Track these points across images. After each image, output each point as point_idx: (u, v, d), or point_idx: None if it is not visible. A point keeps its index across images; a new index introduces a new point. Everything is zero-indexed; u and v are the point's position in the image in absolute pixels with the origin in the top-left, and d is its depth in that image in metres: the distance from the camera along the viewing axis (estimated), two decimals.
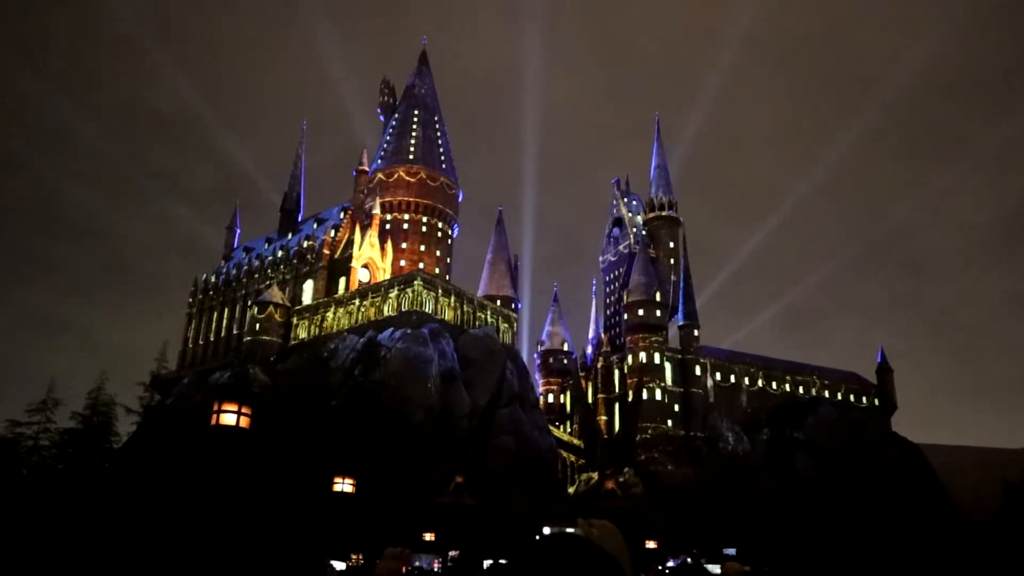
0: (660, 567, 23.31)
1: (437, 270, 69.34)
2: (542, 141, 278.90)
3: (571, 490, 63.98)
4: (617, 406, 74.35)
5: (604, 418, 74.24)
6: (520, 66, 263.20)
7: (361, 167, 71.05)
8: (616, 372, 76.34)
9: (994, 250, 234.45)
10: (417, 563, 28.89)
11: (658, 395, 71.37)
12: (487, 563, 26.93)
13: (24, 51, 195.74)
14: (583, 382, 79.86)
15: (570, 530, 2.51)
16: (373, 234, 68.04)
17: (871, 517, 59.98)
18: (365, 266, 66.86)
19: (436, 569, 28.79)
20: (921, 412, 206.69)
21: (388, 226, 70.78)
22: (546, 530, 40.94)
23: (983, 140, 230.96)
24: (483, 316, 63.93)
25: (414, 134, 74.89)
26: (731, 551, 45.54)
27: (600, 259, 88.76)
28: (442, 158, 75.36)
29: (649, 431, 69.02)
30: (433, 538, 33.77)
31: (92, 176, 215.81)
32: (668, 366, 74.12)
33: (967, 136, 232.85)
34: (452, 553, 30.09)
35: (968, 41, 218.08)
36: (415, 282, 59.60)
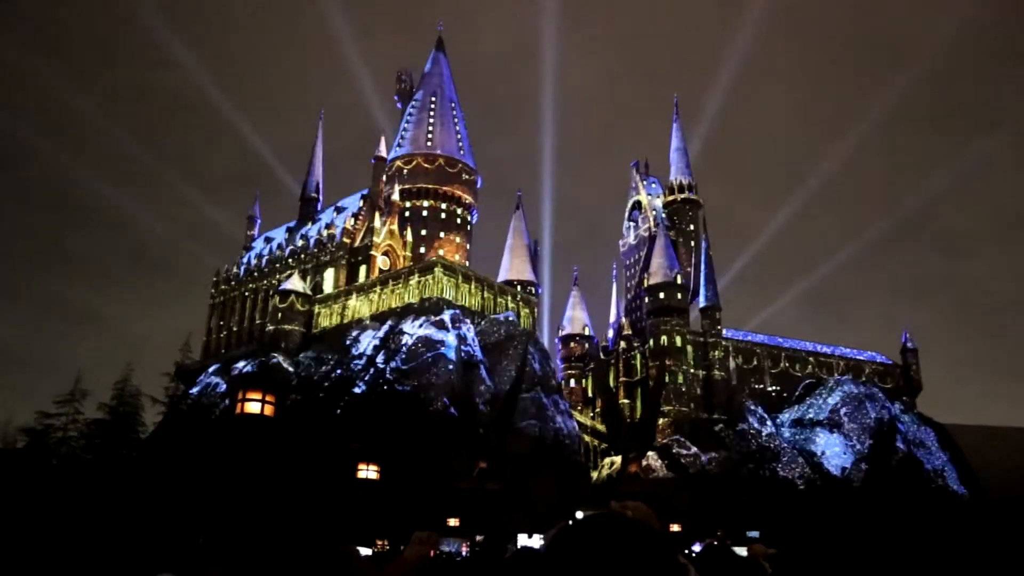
0: (687, 550, 23.25)
1: (457, 256, 69.42)
2: (560, 124, 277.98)
3: (594, 475, 64.04)
4: (639, 390, 74.21)
5: (626, 402, 74.16)
6: (537, 48, 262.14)
7: (379, 155, 71.10)
8: (638, 356, 76.15)
9: None
10: (445, 547, 29.01)
11: (680, 378, 71.14)
12: (520, 545, 26.99)
13: (38, 40, 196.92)
14: (605, 366, 79.74)
15: None
16: (392, 221, 68.15)
17: (895, 498, 59.58)
18: (385, 254, 67.02)
19: (464, 553, 28.87)
20: (949, 392, 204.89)
21: (407, 213, 70.86)
22: (579, 514, 40.93)
23: (1016, 113, 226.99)
24: (504, 301, 63.94)
25: (431, 121, 74.80)
26: (754, 534, 45.32)
27: (620, 242, 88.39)
28: (460, 144, 75.25)
29: (671, 415, 68.86)
30: (458, 523, 33.90)
31: (112, 166, 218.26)
32: (690, 349, 73.83)
33: (999, 109, 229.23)
34: (478, 538, 30.16)
35: (1004, 8, 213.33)
36: (435, 269, 59.69)
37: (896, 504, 57.55)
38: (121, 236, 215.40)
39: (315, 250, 69.65)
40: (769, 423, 72.45)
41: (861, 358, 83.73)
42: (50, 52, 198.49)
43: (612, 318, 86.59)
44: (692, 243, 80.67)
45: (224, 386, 58.49)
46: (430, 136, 74.02)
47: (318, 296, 65.82)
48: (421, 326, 55.01)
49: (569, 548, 1.40)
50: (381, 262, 66.33)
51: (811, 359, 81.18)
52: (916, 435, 74.68)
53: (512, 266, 78.51)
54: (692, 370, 73.00)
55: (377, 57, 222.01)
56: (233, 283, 75.44)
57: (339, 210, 73.33)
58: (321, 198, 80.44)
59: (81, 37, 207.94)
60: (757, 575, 3.75)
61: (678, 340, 72.54)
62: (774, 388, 77.51)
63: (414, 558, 2.43)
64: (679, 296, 74.04)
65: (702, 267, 78.11)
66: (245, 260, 77.26)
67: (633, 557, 1.36)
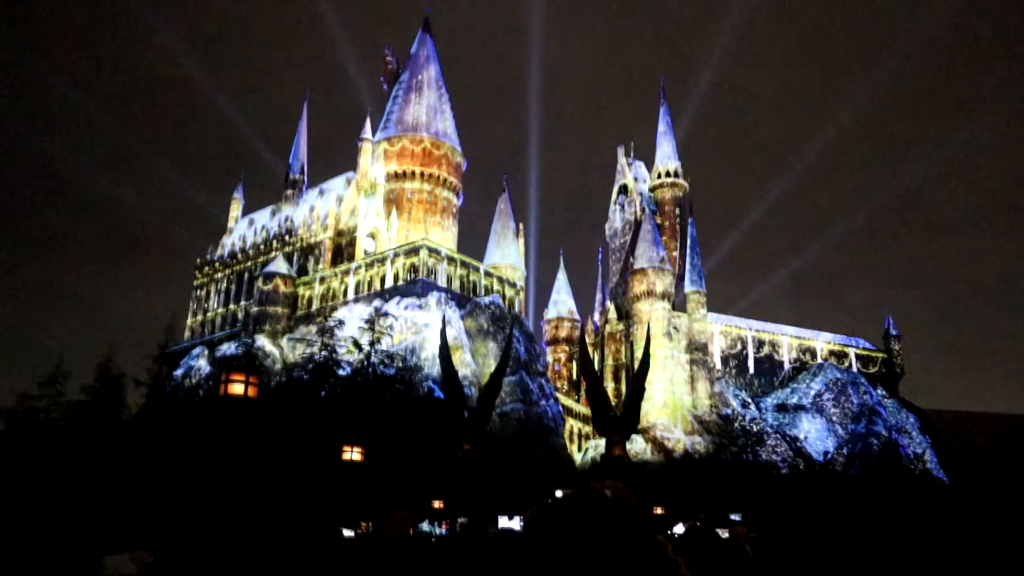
0: (669, 532, 23.40)
1: (442, 238, 69.25)
2: (548, 106, 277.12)
3: (579, 457, 64.35)
4: (624, 373, 74.50)
5: (611, 385, 74.44)
6: (525, 29, 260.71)
7: (365, 136, 70.75)
8: (623, 339, 76.41)
9: (1010, 209, 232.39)
10: (424, 526, 29.11)
11: (665, 362, 71.43)
12: (500, 526, 27.10)
13: (13, 16, 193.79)
14: (590, 349, 79.86)
15: None
16: (378, 203, 67.92)
17: (876, 483, 60.22)
18: (370, 235, 66.80)
19: (443, 532, 29.00)
20: (931, 377, 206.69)
21: (393, 195, 70.61)
22: (559, 493, 41.05)
23: (1000, 98, 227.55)
24: (489, 284, 63.92)
25: (417, 102, 74.41)
26: (736, 517, 45.70)
27: (606, 226, 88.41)
28: (446, 126, 74.93)
29: (656, 398, 69.17)
30: (442, 506, 33.97)
31: (92, 146, 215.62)
32: (675, 333, 74.14)
33: (984, 94, 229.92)
34: (461, 520, 30.27)
35: None
36: (420, 251, 59.55)
37: (876, 488, 58.16)
38: (102, 216, 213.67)
39: (299, 232, 69.36)
40: (753, 407, 73.01)
41: (845, 343, 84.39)
42: (27, 30, 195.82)
43: (598, 301, 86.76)
44: (678, 227, 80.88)
45: (208, 368, 58.34)
46: (416, 118, 73.65)
47: (303, 278, 65.58)
48: (406, 308, 54.95)
49: (547, 525, 1.38)
50: (366, 244, 66.13)
51: (795, 344, 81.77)
52: (898, 420, 75.48)
53: (498, 249, 78.45)
54: (677, 354, 73.31)
55: (363, 37, 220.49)
56: (217, 265, 75.10)
57: (323, 192, 72.97)
58: (306, 180, 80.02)
59: (60, 13, 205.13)
60: (738, 556, 3.77)
61: (663, 324, 72.80)
62: (758, 372, 78.06)
63: (392, 534, 2.43)
64: (664, 280, 74.28)
65: (688, 251, 78.30)
66: (229, 242, 76.89)
67: (610, 534, 1.35)
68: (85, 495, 23.84)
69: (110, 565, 2.31)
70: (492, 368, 54.57)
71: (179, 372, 59.50)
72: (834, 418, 72.24)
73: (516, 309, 65.16)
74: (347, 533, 21.50)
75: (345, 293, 62.23)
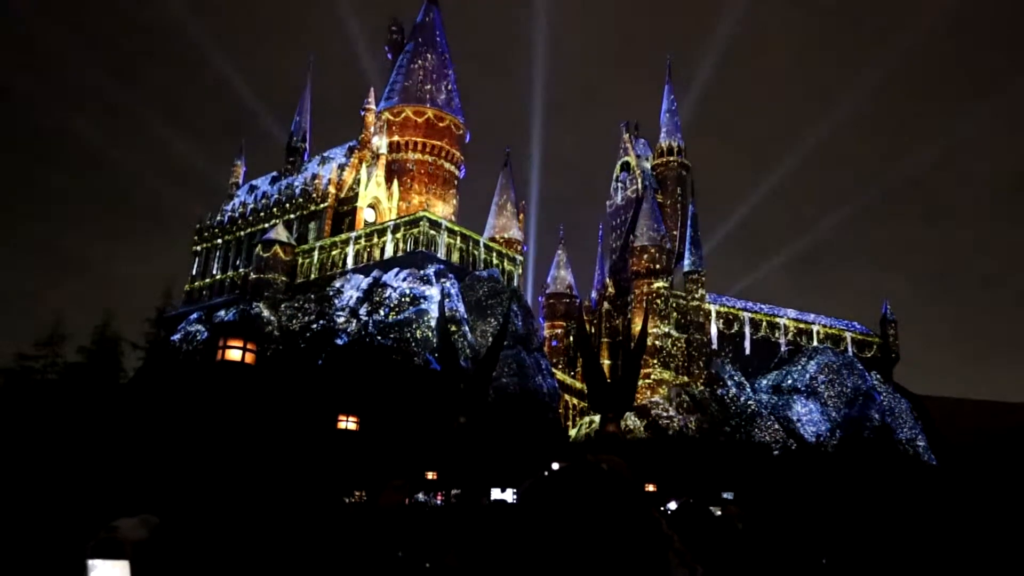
0: (662, 508, 23.59)
1: (443, 211, 69.10)
2: (553, 81, 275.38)
3: (572, 433, 64.66)
4: (621, 351, 74.69)
5: (607, 362, 74.65)
6: (532, 3, 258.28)
7: (368, 106, 70.33)
8: (620, 316, 76.51)
9: (1014, 200, 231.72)
10: (420, 496, 29.33)
11: (661, 341, 71.61)
12: (493, 497, 27.29)
13: None
14: (588, 326, 79.99)
15: None
16: (379, 174, 67.66)
17: (866, 465, 60.58)
18: (371, 206, 66.63)
19: (439, 503, 29.25)
20: (930, 364, 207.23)
21: (395, 166, 70.36)
22: (555, 465, 41.31)
23: (1012, 84, 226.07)
24: (488, 258, 63.90)
25: (422, 73, 73.94)
26: (729, 496, 45.99)
27: (607, 203, 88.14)
28: (450, 98, 74.52)
29: (652, 376, 69.45)
30: (435, 477, 34.17)
31: (91, 106, 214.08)
32: (673, 312, 74.23)
33: (995, 79, 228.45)
34: (454, 492, 30.48)
35: None
36: (421, 223, 59.46)
37: (866, 470, 58.52)
38: (101, 177, 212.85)
39: (300, 200, 69.12)
40: (747, 388, 73.23)
41: (841, 327, 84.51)
42: None
43: (597, 277, 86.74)
44: (679, 206, 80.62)
45: (205, 334, 58.40)
46: (420, 88, 73.22)
47: (302, 247, 65.50)
48: (405, 280, 54.96)
49: (544, 495, 1.39)
50: (367, 214, 65.99)
51: (792, 326, 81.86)
52: (891, 405, 75.72)
53: (498, 223, 78.32)
54: (674, 333, 73.42)
55: (369, 5, 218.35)
56: (217, 230, 74.90)
57: (326, 160, 72.65)
58: (308, 147, 79.61)
59: None
60: (730, 532, 3.82)
61: (661, 303, 72.86)
62: (754, 353, 78.20)
63: (387, 503, 2.46)
64: (664, 259, 74.23)
65: (688, 231, 78.12)
66: (229, 208, 76.65)
67: (607, 506, 1.36)
68: (82, 457, 23.95)
69: (123, 528, 2.34)
70: (489, 342, 54.71)
71: (176, 337, 59.57)
72: (828, 401, 72.48)
73: (515, 283, 65.21)
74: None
75: (344, 262, 62.19)
